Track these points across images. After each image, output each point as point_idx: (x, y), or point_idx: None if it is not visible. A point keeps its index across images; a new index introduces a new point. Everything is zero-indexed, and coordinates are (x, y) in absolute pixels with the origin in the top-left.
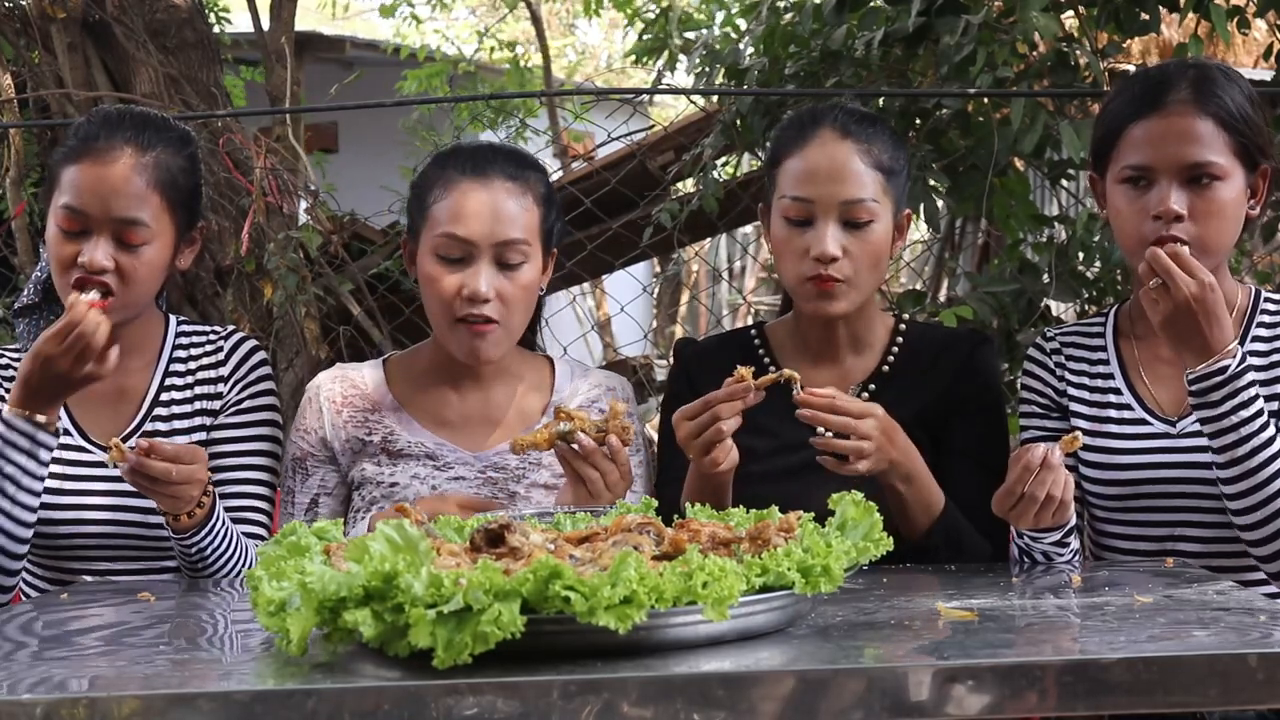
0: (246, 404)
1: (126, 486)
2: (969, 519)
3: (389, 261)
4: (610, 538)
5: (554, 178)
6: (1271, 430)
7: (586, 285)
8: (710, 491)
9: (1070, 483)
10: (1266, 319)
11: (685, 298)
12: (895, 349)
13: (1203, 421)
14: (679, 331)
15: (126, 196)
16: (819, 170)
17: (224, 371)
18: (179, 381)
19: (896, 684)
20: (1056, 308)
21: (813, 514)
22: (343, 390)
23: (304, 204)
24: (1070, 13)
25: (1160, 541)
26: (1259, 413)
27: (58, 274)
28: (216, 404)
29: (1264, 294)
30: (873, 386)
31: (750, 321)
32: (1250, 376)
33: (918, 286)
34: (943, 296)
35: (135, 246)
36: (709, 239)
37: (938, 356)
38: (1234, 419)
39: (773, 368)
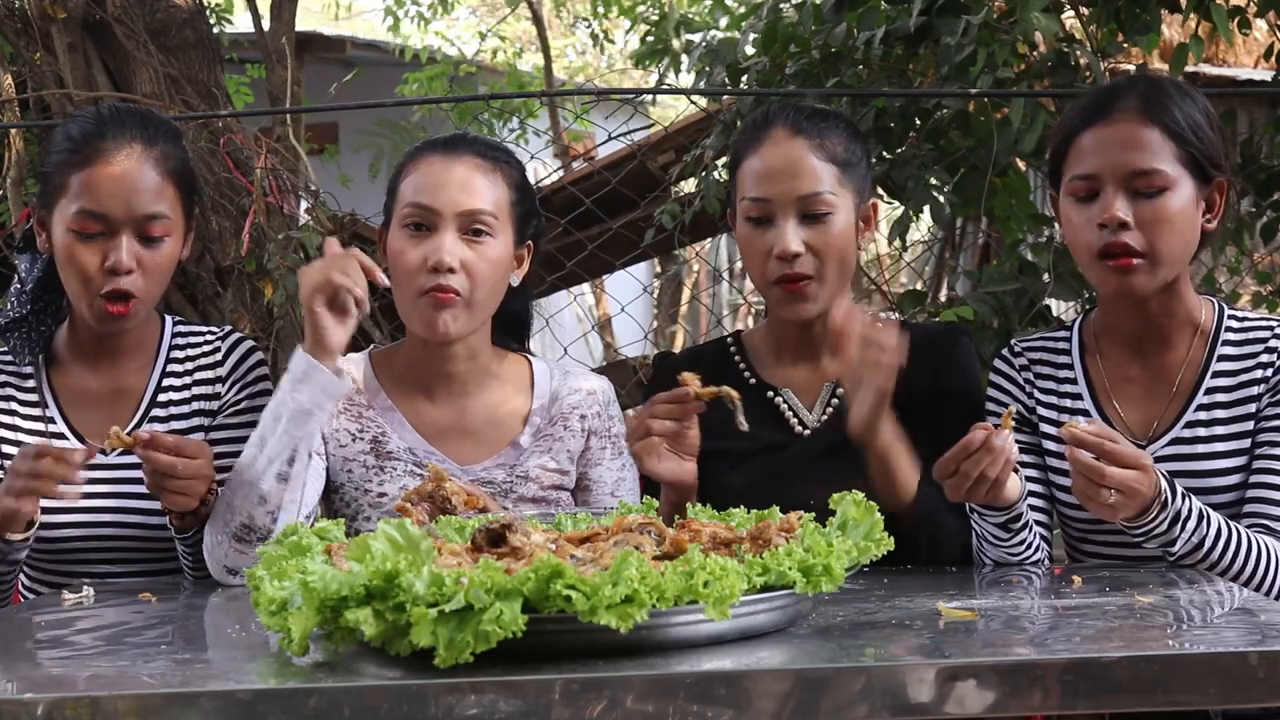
0: (245, 404)
1: (125, 489)
2: (947, 513)
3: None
4: (611, 537)
5: (554, 178)
6: (1214, 522)
7: (586, 285)
8: (670, 506)
9: (1008, 464)
10: (1232, 337)
11: (685, 297)
12: None
13: (1155, 546)
14: (679, 331)
15: (146, 192)
16: (773, 169)
17: (222, 372)
18: (176, 382)
19: (897, 683)
20: (1057, 307)
21: (812, 515)
22: None
23: (304, 204)
24: (1070, 12)
25: (1135, 562)
26: (1190, 513)
27: (79, 282)
28: (215, 404)
29: (1228, 311)
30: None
31: (750, 322)
32: (1178, 504)
33: (918, 286)
34: (943, 296)
35: (157, 241)
36: (709, 239)
37: (916, 354)
38: (1180, 541)
39: (749, 375)
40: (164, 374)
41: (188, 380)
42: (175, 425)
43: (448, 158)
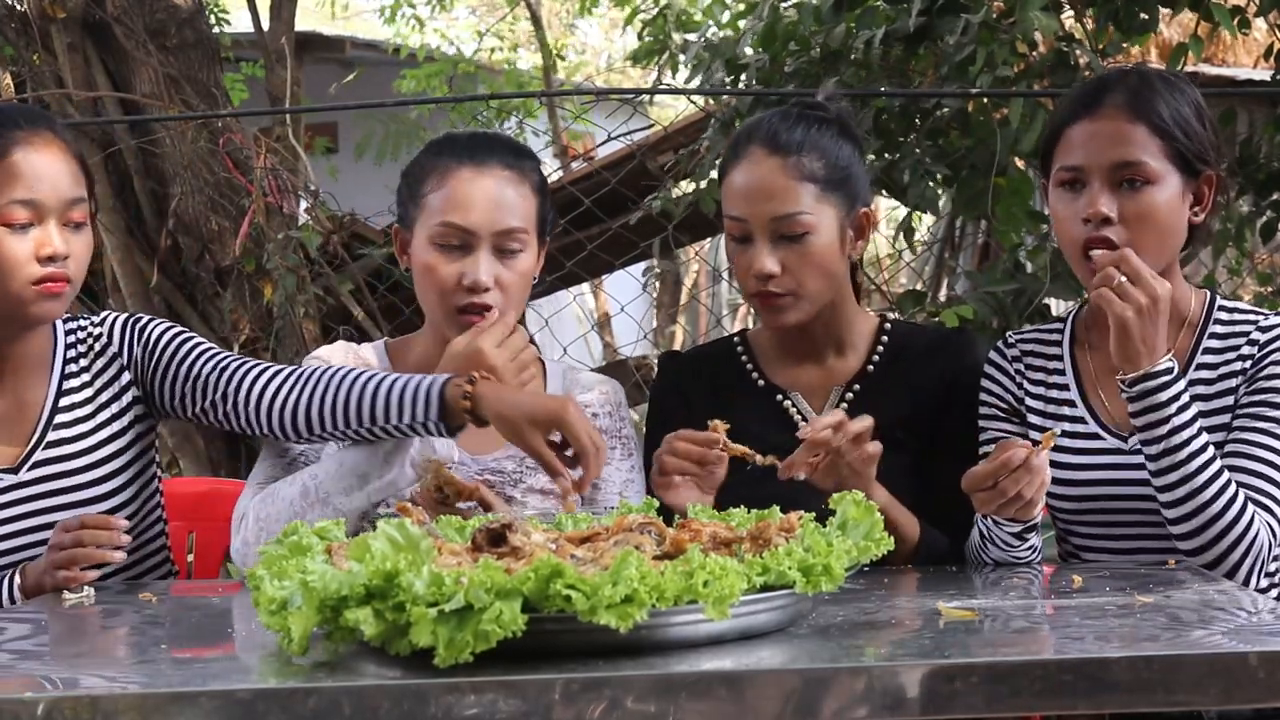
0: (161, 344)
1: (35, 498)
2: (953, 518)
3: (389, 261)
4: (612, 537)
5: (554, 178)
6: (1204, 436)
7: (585, 285)
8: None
9: (1044, 485)
10: (1219, 329)
11: (684, 297)
12: (880, 349)
13: (1140, 428)
14: (679, 331)
15: (71, 176)
16: (749, 189)
17: (124, 361)
18: (76, 383)
19: (897, 682)
20: (1055, 306)
21: (813, 515)
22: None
23: (303, 204)
24: (1070, 12)
25: (1126, 555)
26: (1193, 417)
27: (10, 274)
28: (132, 391)
29: (1219, 301)
30: (857, 388)
31: (750, 322)
32: (1182, 385)
33: (918, 286)
34: (943, 296)
35: (81, 227)
36: (709, 239)
37: (926, 358)
38: (1172, 425)
39: (756, 375)
40: (64, 376)
41: (87, 378)
42: (79, 429)
43: (477, 170)
